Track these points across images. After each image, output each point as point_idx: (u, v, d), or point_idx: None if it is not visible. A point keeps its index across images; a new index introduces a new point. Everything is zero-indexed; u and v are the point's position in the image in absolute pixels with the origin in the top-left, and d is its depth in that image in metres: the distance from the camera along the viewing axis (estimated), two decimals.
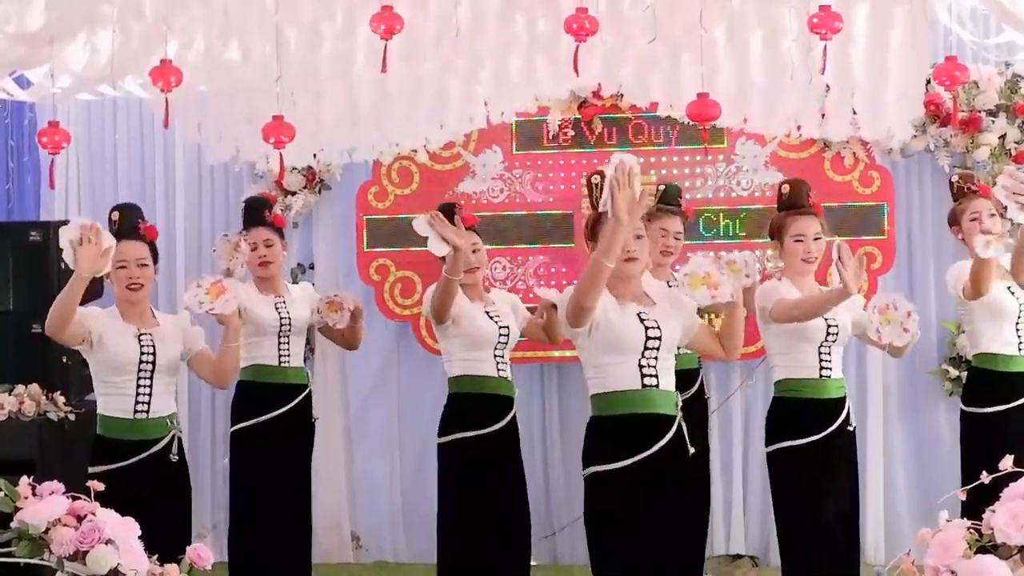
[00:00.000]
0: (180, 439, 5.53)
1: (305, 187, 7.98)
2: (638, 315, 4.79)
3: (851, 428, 5.67)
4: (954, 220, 6.39)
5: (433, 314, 6.04)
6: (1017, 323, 6.19)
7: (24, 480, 3.78)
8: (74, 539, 3.59)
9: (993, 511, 3.26)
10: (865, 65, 5.65)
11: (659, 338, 4.77)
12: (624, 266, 4.73)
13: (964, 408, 6.33)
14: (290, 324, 6.50)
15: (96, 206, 8.31)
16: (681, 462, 4.77)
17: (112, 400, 5.45)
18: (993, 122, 7.50)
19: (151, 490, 5.12)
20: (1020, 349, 6.18)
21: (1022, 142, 7.50)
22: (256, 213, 6.61)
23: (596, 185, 4.82)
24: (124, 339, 5.41)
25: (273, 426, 6.44)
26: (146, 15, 5.54)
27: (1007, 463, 3.44)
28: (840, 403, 5.67)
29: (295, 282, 7.46)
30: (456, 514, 6.15)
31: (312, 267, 8.11)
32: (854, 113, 5.94)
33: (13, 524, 3.64)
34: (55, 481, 3.81)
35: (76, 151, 8.12)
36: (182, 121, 6.10)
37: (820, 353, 5.61)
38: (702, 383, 6.69)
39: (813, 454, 5.56)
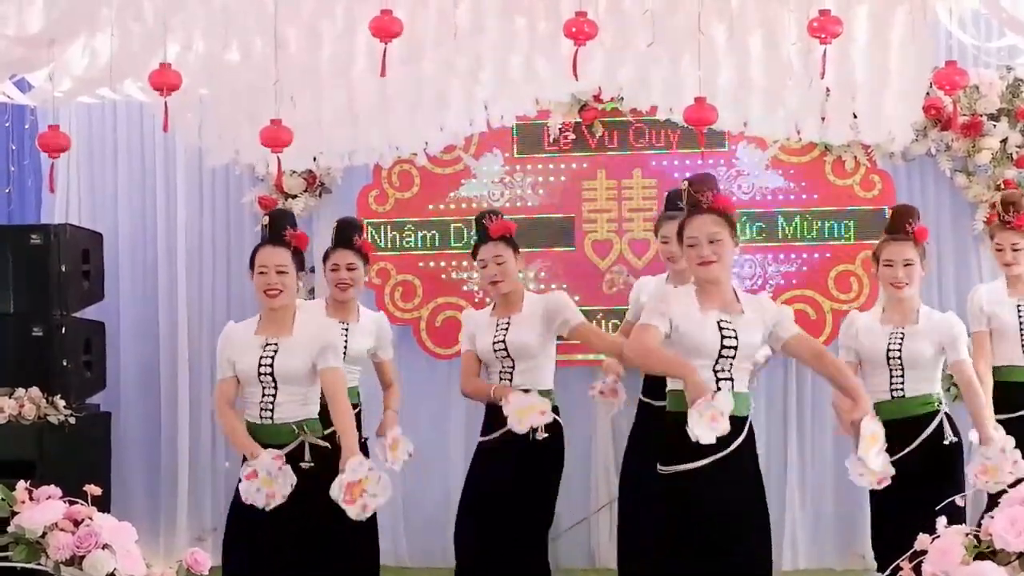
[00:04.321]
0: (313, 445, 5.18)
1: (306, 190, 7.98)
2: (718, 323, 4.80)
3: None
4: (991, 236, 6.51)
5: None
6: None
7: (21, 484, 3.77)
8: (71, 544, 3.59)
9: (991, 517, 3.25)
10: (866, 68, 5.65)
11: (735, 347, 4.76)
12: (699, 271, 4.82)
13: None
14: (345, 353, 6.40)
15: (96, 209, 8.33)
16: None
17: (246, 406, 5.30)
18: (994, 126, 7.48)
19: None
20: None
21: (1023, 146, 7.49)
22: (345, 235, 6.50)
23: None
24: (247, 353, 5.22)
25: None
26: (145, 17, 5.54)
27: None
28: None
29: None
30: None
31: (312, 270, 8.09)
32: (855, 117, 5.94)
33: (10, 528, 3.64)
34: (52, 486, 3.80)
35: (76, 154, 8.11)
36: (182, 124, 6.09)
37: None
38: None
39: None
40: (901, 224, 5.76)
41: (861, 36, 5.55)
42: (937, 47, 6.38)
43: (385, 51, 5.01)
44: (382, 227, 7.93)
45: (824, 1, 5.01)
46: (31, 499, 3.73)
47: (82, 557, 3.58)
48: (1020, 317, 6.32)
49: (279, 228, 5.32)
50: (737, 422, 4.63)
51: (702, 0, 5.18)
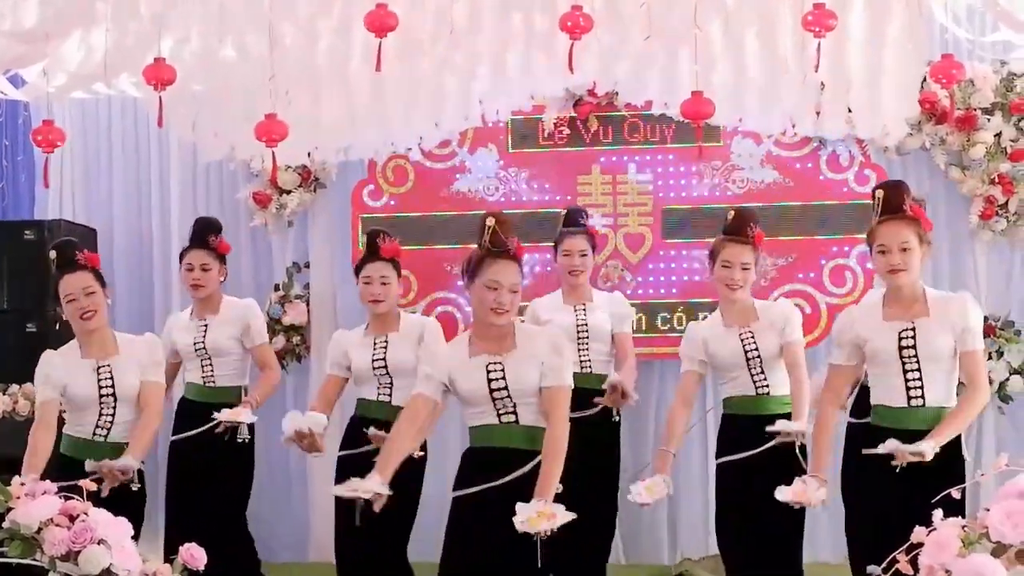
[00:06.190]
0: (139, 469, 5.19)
1: (300, 185, 7.97)
2: (486, 366, 4.67)
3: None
4: None
5: None
6: None
7: (16, 480, 3.77)
8: (66, 539, 3.59)
9: (987, 509, 3.25)
10: (860, 62, 5.65)
11: (505, 387, 4.64)
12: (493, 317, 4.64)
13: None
14: (205, 348, 6.49)
15: (91, 205, 8.32)
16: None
17: (71, 426, 5.38)
18: (989, 120, 7.48)
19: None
20: None
21: (1018, 140, 7.49)
22: (199, 235, 6.59)
23: (489, 228, 4.72)
24: (79, 376, 5.28)
25: (195, 443, 6.38)
26: (141, 12, 5.53)
27: (1001, 461, 3.43)
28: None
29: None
30: None
31: (308, 266, 8.10)
32: (849, 111, 5.93)
33: (5, 524, 3.64)
34: (47, 481, 3.80)
35: (71, 150, 8.11)
36: (176, 119, 6.08)
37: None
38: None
39: None
40: (742, 227, 5.65)
41: (856, 30, 5.55)
42: (931, 42, 6.38)
43: (380, 46, 5.01)
44: (377, 222, 7.91)
45: None
46: (26, 495, 3.73)
47: (77, 552, 3.58)
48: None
49: (70, 256, 5.35)
50: (521, 455, 4.62)
51: None
